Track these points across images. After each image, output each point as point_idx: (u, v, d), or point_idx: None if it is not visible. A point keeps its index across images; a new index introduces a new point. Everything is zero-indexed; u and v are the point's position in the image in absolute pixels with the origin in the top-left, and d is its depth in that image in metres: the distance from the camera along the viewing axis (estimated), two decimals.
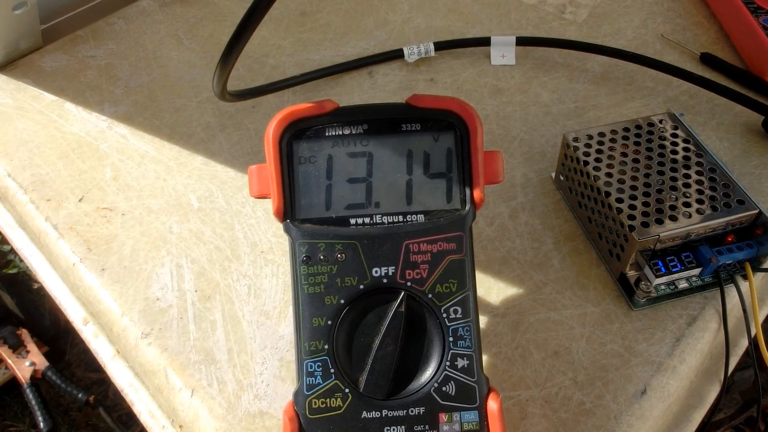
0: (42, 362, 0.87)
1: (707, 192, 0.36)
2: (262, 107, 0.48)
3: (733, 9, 0.52)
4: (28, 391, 0.84)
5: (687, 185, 0.36)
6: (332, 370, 0.26)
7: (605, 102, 0.48)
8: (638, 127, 0.39)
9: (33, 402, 0.83)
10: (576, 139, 0.39)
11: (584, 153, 0.38)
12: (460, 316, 0.27)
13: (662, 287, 0.35)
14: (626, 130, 0.39)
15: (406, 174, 0.28)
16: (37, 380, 0.86)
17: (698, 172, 0.37)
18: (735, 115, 0.46)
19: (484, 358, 0.34)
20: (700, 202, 0.35)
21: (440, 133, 0.28)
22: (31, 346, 0.89)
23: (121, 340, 0.36)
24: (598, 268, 0.38)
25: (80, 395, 0.84)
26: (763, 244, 0.35)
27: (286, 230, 0.28)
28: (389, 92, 0.49)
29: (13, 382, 0.90)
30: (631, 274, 0.36)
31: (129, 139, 0.46)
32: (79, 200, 0.42)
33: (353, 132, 0.28)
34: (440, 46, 0.51)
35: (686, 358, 0.34)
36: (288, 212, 0.27)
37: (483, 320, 0.35)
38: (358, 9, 0.57)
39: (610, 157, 0.38)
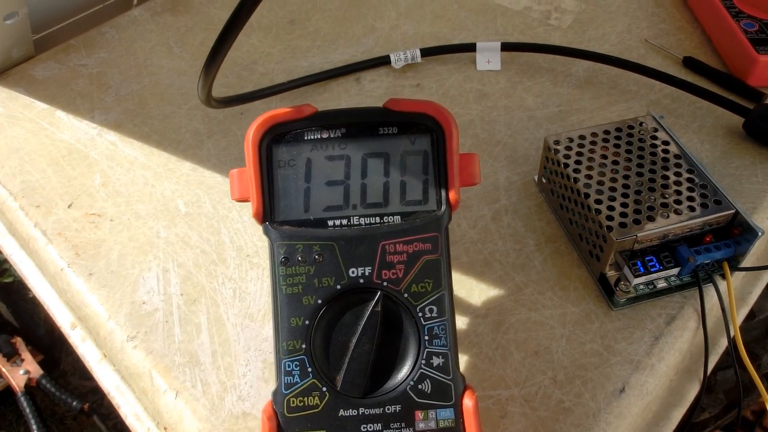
0: (36, 371, 0.87)
1: (685, 193, 0.36)
2: (250, 114, 0.49)
3: (714, 13, 0.52)
4: (22, 399, 0.84)
5: (665, 186, 0.36)
6: (310, 369, 0.27)
7: (589, 106, 0.48)
8: (619, 129, 0.40)
9: (27, 410, 0.83)
10: (557, 142, 0.39)
11: (564, 155, 0.38)
12: (436, 315, 0.27)
13: (641, 287, 0.36)
14: (607, 132, 0.40)
15: (383, 176, 0.28)
16: (31, 389, 0.86)
17: (677, 174, 0.37)
18: (716, 118, 0.47)
19: (465, 358, 0.34)
20: (677, 202, 0.36)
21: (417, 136, 0.29)
22: (26, 355, 0.89)
23: (108, 344, 0.37)
24: (579, 268, 0.38)
25: (75, 403, 0.84)
26: (741, 243, 0.36)
27: (266, 232, 0.28)
28: (376, 98, 0.50)
29: (8, 390, 0.90)
30: (611, 274, 0.36)
31: (118, 146, 0.46)
32: (69, 206, 0.42)
33: (331, 136, 0.29)
34: (426, 53, 0.52)
35: (665, 357, 0.34)
36: (267, 214, 0.28)
37: (465, 321, 0.36)
38: (347, 16, 0.57)
39: (590, 159, 0.38)
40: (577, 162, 0.38)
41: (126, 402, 0.36)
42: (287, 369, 0.27)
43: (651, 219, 0.35)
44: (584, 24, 0.56)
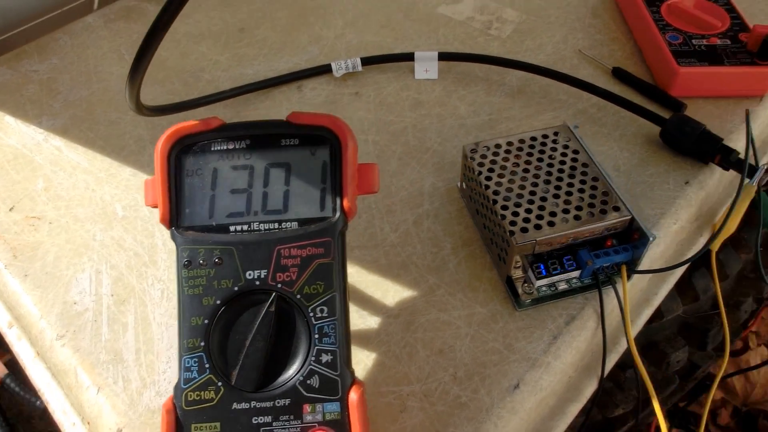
0: (1, 370, 0.88)
1: (587, 200, 0.38)
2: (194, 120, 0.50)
3: (643, 25, 0.54)
4: None
5: (569, 193, 0.39)
6: (207, 365, 0.29)
7: (518, 114, 0.50)
8: (533, 139, 0.42)
9: None
10: (473, 150, 0.41)
11: (479, 163, 0.40)
12: (326, 314, 0.29)
13: (544, 289, 0.38)
14: (522, 141, 0.42)
15: (284, 185, 0.30)
16: None
17: (582, 181, 0.39)
18: (638, 127, 0.49)
19: (374, 355, 0.36)
20: (578, 208, 0.38)
21: (317, 147, 0.31)
22: None
23: (39, 342, 0.38)
24: (490, 271, 0.40)
25: (38, 403, 0.85)
26: (638, 247, 0.38)
27: (172, 237, 0.30)
28: (315, 105, 0.51)
29: None
30: (517, 276, 0.38)
31: (63, 151, 0.48)
32: (10, 209, 0.44)
33: (237, 147, 0.31)
34: (367, 61, 0.54)
35: (561, 355, 0.36)
36: (173, 220, 0.30)
37: (377, 321, 0.38)
38: (295, 25, 0.59)
39: (502, 167, 0.40)
40: (490, 170, 0.40)
41: (55, 398, 0.38)
42: (186, 365, 0.29)
43: (551, 224, 0.37)
44: (523, 34, 0.58)
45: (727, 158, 0.44)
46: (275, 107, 0.52)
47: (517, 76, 0.53)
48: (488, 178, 0.40)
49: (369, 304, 0.39)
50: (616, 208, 0.38)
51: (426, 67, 0.54)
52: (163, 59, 0.56)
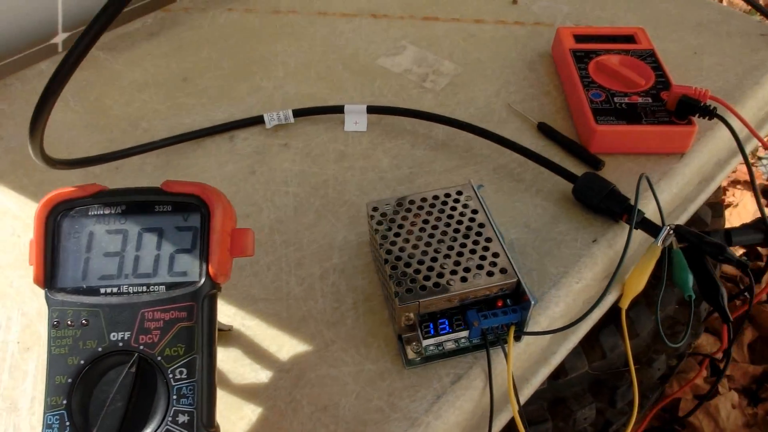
0: None
1: (476, 261, 0.39)
2: (125, 168, 0.52)
3: (570, 81, 0.56)
4: None
5: (460, 254, 0.40)
6: (68, 423, 0.30)
7: (439, 168, 0.52)
8: (435, 198, 0.43)
9: None
10: (375, 209, 0.42)
11: (378, 222, 0.42)
12: (185, 376, 0.30)
13: (431, 348, 0.39)
14: (423, 200, 0.43)
15: (155, 249, 0.32)
16: None
17: (475, 242, 0.40)
18: (554, 183, 0.50)
19: (260, 410, 0.37)
20: (466, 270, 0.39)
21: (189, 213, 0.32)
22: None
23: None
24: (386, 327, 0.41)
25: None
26: (527, 309, 0.39)
27: (45, 297, 0.31)
28: (244, 156, 0.53)
29: None
30: (408, 335, 0.39)
31: None
32: None
33: (113, 212, 0.32)
34: (298, 113, 0.56)
35: (442, 415, 0.37)
36: (47, 281, 0.31)
37: (268, 375, 0.39)
38: (237, 75, 0.61)
39: (400, 226, 0.41)
40: (388, 228, 0.41)
41: None
42: (48, 422, 0.30)
43: (437, 286, 0.38)
44: (457, 87, 0.59)
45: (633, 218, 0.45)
46: (205, 156, 0.53)
47: (444, 130, 0.55)
48: (384, 237, 0.41)
49: (264, 357, 0.40)
50: (503, 270, 0.39)
51: (356, 120, 0.55)
52: (107, 107, 0.58)
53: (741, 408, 1.11)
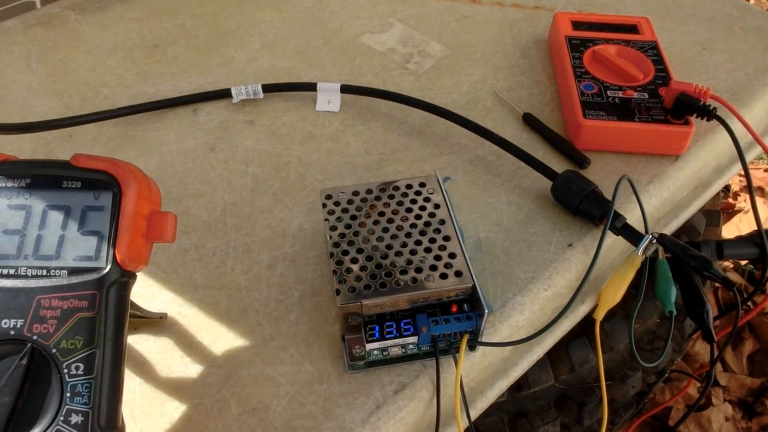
0: None
1: (430, 261, 0.36)
2: (78, 137, 0.49)
3: (563, 70, 0.52)
4: None
5: (414, 252, 0.36)
6: None
7: (411, 156, 0.48)
8: (396, 188, 0.39)
9: None
10: (328, 197, 0.39)
11: (329, 211, 0.38)
12: (82, 372, 0.27)
13: (375, 352, 0.36)
14: (383, 190, 0.39)
15: (60, 229, 0.29)
16: None
17: (432, 240, 0.37)
18: (533, 180, 0.46)
19: (184, 408, 0.34)
20: (418, 270, 0.35)
21: (100, 191, 0.29)
22: None
23: None
24: (332, 326, 0.38)
25: None
26: (482, 317, 0.35)
27: None
28: (206, 131, 0.50)
29: None
30: (351, 337, 0.36)
31: None
32: None
33: (16, 185, 0.29)
34: (268, 89, 0.52)
35: (381, 427, 0.34)
36: None
37: (198, 369, 0.36)
38: (210, 44, 0.58)
39: (353, 217, 0.38)
40: (339, 219, 0.38)
41: None
42: None
43: (383, 286, 0.34)
44: (442, 70, 0.55)
45: (613, 223, 0.41)
46: (164, 129, 0.50)
47: (421, 116, 0.51)
48: (333, 228, 0.37)
49: (196, 350, 0.37)
50: (458, 273, 0.35)
51: (328, 99, 0.52)
52: (70, 70, 0.55)
53: (734, 421, 1.07)
